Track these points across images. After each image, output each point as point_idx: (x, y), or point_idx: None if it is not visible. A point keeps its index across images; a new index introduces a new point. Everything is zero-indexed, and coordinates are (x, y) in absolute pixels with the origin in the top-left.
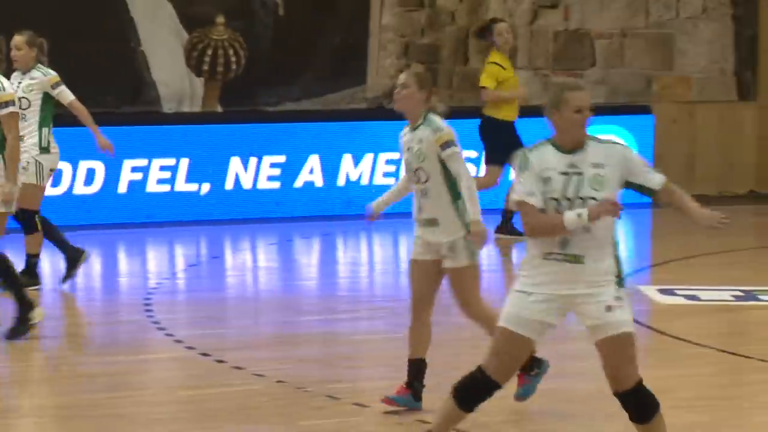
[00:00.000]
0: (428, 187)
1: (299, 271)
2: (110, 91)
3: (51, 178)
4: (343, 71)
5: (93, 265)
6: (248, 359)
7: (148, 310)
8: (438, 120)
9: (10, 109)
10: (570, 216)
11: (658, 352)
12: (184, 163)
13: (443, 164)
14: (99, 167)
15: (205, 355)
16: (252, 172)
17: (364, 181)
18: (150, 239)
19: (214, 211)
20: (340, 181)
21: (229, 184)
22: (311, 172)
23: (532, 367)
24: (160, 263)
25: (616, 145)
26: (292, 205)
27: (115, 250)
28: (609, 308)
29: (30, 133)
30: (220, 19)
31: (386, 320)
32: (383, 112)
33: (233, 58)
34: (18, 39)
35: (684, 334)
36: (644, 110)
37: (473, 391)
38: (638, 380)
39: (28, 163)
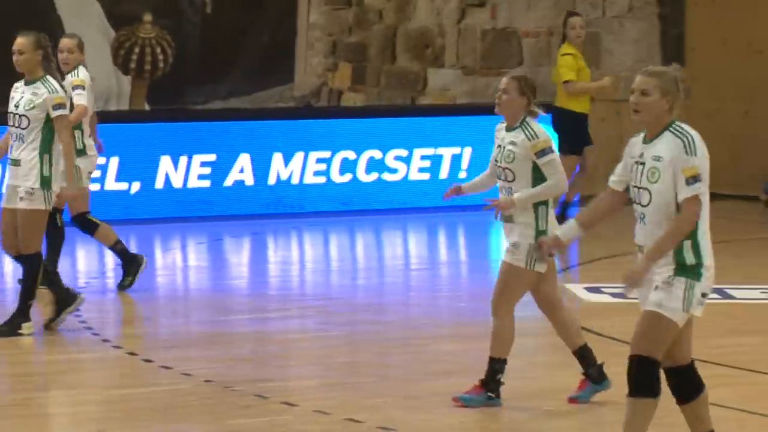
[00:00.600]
0: (513, 187)
1: (229, 270)
2: None
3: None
4: (271, 69)
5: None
6: (176, 358)
7: (76, 310)
8: (536, 126)
9: (62, 111)
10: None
11: None
12: (114, 162)
13: (535, 169)
14: None
15: (132, 354)
16: (182, 171)
17: (295, 180)
18: (79, 238)
19: (144, 210)
20: (271, 180)
21: (159, 183)
22: (242, 171)
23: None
24: (89, 262)
25: (682, 142)
26: (222, 204)
27: (43, 250)
28: (655, 288)
29: None
30: (148, 18)
31: (316, 319)
32: (314, 110)
33: (161, 56)
34: (68, 42)
35: (610, 332)
36: None
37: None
38: (647, 357)
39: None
